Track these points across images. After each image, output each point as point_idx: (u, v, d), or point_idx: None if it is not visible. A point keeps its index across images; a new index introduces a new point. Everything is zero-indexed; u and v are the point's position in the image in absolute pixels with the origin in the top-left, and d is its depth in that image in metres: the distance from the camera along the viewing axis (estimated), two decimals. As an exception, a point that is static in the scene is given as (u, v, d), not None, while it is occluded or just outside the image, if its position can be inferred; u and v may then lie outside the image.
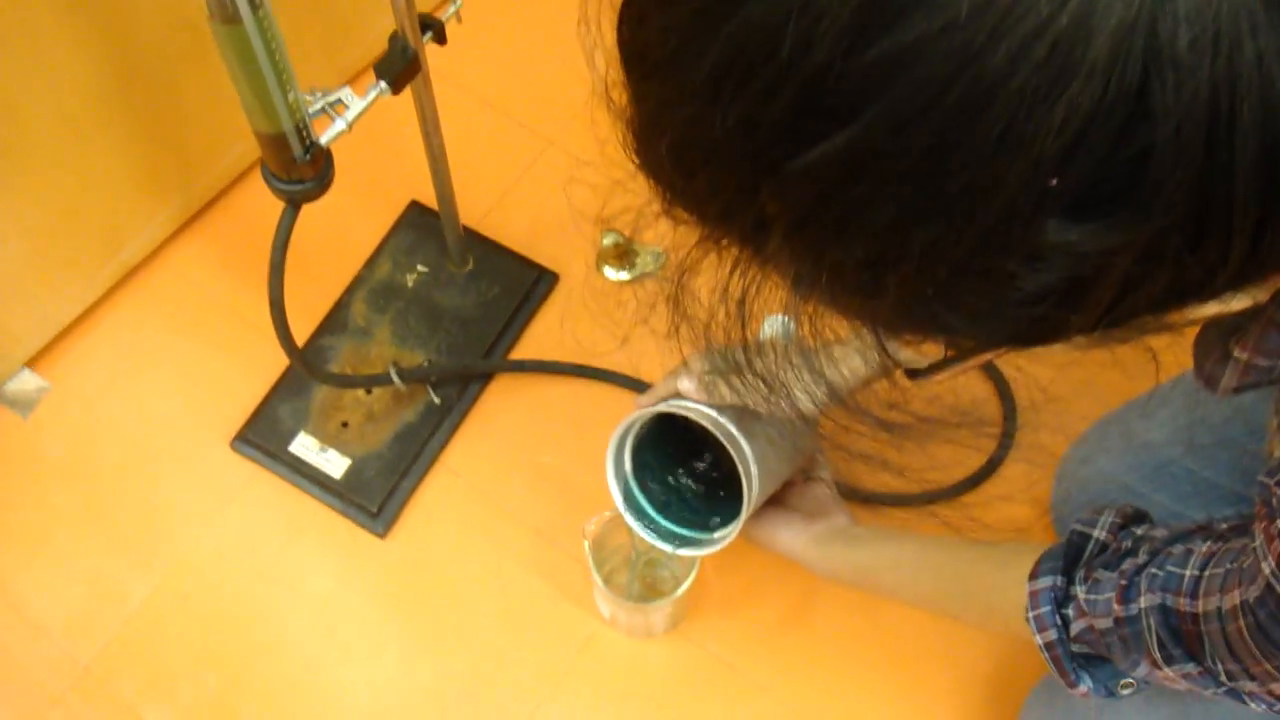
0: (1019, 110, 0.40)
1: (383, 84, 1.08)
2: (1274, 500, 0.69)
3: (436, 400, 1.42)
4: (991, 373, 1.41)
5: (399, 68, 1.09)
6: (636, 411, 1.11)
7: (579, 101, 1.30)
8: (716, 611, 1.35)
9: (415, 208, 1.53)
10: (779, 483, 1.16)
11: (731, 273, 0.53)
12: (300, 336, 1.28)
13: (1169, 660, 0.79)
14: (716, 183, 0.49)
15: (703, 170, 0.49)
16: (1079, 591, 0.86)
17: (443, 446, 1.42)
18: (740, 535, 1.11)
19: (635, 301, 1.47)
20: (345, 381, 1.41)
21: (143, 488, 1.42)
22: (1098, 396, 1.21)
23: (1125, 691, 0.88)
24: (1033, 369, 0.50)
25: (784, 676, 1.32)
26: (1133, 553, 0.85)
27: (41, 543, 1.39)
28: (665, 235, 0.54)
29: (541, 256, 1.51)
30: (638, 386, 1.42)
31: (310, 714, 1.32)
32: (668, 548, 1.14)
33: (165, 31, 1.31)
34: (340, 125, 1.06)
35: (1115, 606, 0.82)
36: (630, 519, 1.14)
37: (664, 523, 1.15)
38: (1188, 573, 0.78)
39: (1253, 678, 0.74)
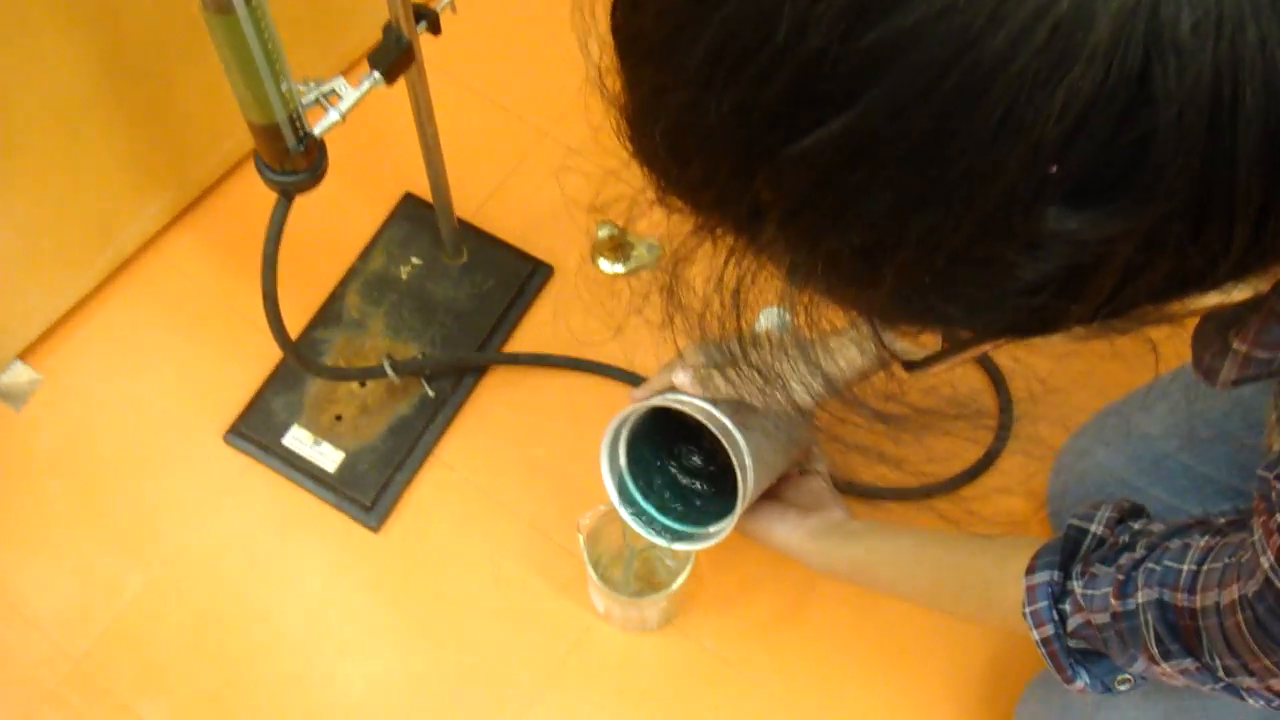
0: (1019, 95, 0.40)
1: (376, 74, 1.08)
2: (1273, 495, 0.69)
3: (431, 393, 1.42)
4: (986, 365, 1.41)
5: (393, 58, 1.09)
6: (631, 405, 1.10)
7: (574, 93, 1.30)
8: (711, 606, 1.34)
9: (409, 200, 1.52)
10: (774, 477, 1.15)
11: (726, 262, 0.52)
12: (294, 329, 1.28)
13: (1166, 656, 0.79)
14: (711, 170, 0.48)
15: (697, 157, 0.48)
16: (1076, 587, 0.86)
17: (437, 440, 1.41)
18: (735, 530, 1.11)
19: (630, 293, 1.46)
20: (339, 374, 1.40)
21: (136, 481, 1.41)
22: (1097, 388, 1.21)
23: (1122, 687, 0.88)
24: (1031, 360, 0.49)
25: (779, 672, 1.32)
26: (1130, 547, 0.84)
27: (34, 536, 1.38)
28: (659, 224, 0.53)
29: (536, 249, 1.50)
30: (633, 380, 1.42)
31: (304, 707, 1.31)
32: (662, 542, 1.13)
33: (158, 21, 1.30)
34: (334, 116, 1.06)
35: (1112, 601, 0.81)
36: (625, 513, 1.14)
37: (659, 517, 1.15)
38: (1185, 567, 0.77)
39: (1251, 673, 0.73)
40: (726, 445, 1.05)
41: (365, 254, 1.49)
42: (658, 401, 1.08)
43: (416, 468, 1.40)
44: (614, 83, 0.51)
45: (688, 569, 1.20)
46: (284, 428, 1.41)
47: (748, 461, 1.04)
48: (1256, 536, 0.69)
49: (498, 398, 1.44)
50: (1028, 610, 0.89)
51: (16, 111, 1.23)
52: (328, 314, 1.46)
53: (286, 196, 1.07)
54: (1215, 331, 0.67)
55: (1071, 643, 0.87)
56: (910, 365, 0.59)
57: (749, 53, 0.43)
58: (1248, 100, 0.39)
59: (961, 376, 1.40)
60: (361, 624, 1.35)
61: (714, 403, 1.06)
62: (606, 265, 1.48)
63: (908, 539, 1.11)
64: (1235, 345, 0.65)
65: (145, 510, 1.40)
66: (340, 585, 1.36)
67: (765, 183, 0.46)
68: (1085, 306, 0.46)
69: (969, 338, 0.54)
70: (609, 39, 0.50)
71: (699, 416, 1.05)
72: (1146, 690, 0.92)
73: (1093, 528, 0.89)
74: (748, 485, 1.05)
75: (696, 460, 1.18)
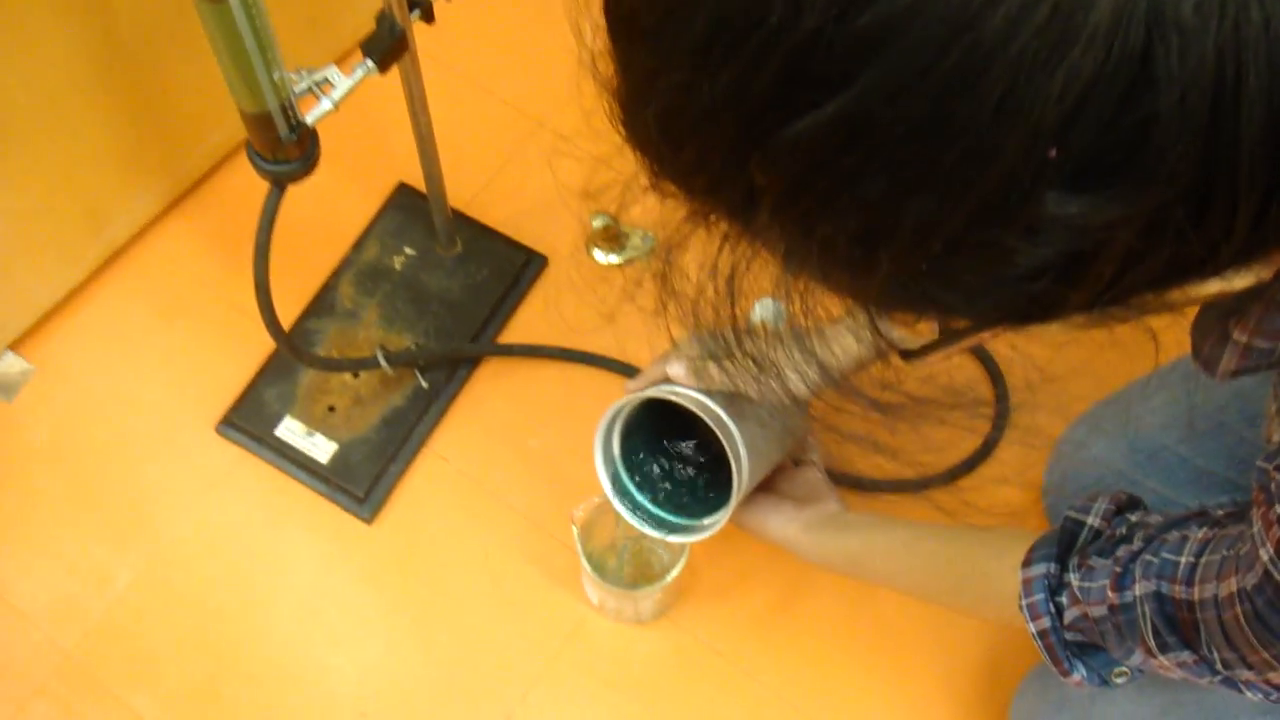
0: (1017, 77, 0.39)
1: (369, 62, 1.07)
2: (1272, 486, 0.68)
3: (424, 384, 1.41)
4: (982, 355, 1.40)
5: (386, 46, 1.08)
6: (626, 396, 1.10)
7: (568, 82, 1.29)
8: (706, 598, 1.34)
9: (403, 190, 1.52)
10: (769, 468, 1.15)
11: (720, 249, 0.52)
12: (286, 319, 1.28)
13: (1164, 648, 0.78)
14: (704, 154, 0.47)
15: (690, 141, 0.47)
16: (1073, 579, 0.86)
17: (430, 431, 1.41)
18: (730, 522, 1.11)
19: (624, 281, 1.46)
20: (332, 365, 1.39)
21: (127, 472, 1.40)
22: (1096, 377, 1.20)
23: (1119, 680, 0.87)
24: (1029, 348, 0.49)
25: (773, 664, 1.31)
26: (1127, 539, 0.84)
27: (24, 527, 1.38)
28: (653, 210, 0.52)
29: (530, 239, 1.49)
30: (627, 371, 1.41)
31: (296, 700, 1.31)
32: (656, 534, 1.13)
33: (150, 8, 1.29)
34: (326, 105, 1.05)
35: (1109, 594, 0.81)
36: (618, 505, 1.14)
37: (653, 509, 1.15)
38: (1183, 559, 0.77)
39: (1249, 666, 0.73)
40: (721, 437, 1.04)
41: (358, 244, 1.49)
42: (652, 393, 1.08)
43: (410, 459, 1.39)
44: (606, 66, 0.50)
45: (682, 561, 1.20)
46: (276, 419, 1.40)
47: (742, 453, 1.04)
48: (1255, 528, 0.69)
49: (491, 389, 1.43)
50: (1024, 603, 0.88)
51: (6, 100, 1.22)
52: (321, 304, 1.45)
53: (279, 186, 1.07)
54: (1215, 321, 0.67)
55: (1068, 635, 0.87)
56: (907, 354, 0.59)
57: (742, 34, 0.43)
58: (1251, 82, 0.39)
59: (958, 366, 1.41)
60: (354, 616, 1.34)
61: (708, 394, 1.05)
62: (601, 256, 1.48)
63: (903, 531, 1.11)
64: (1235, 335, 0.65)
65: (137, 501, 1.39)
66: (333, 577, 1.36)
67: (759, 167, 0.45)
68: (1085, 293, 0.45)
69: (966, 326, 0.54)
70: (602, 22, 0.50)
71: (693, 408, 1.05)
72: (1143, 683, 0.91)
73: (1089, 520, 0.88)
74: (742, 477, 1.05)
75: (691, 452, 1.17)
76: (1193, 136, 0.40)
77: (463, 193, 1.51)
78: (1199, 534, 0.78)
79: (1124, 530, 0.86)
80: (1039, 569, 0.88)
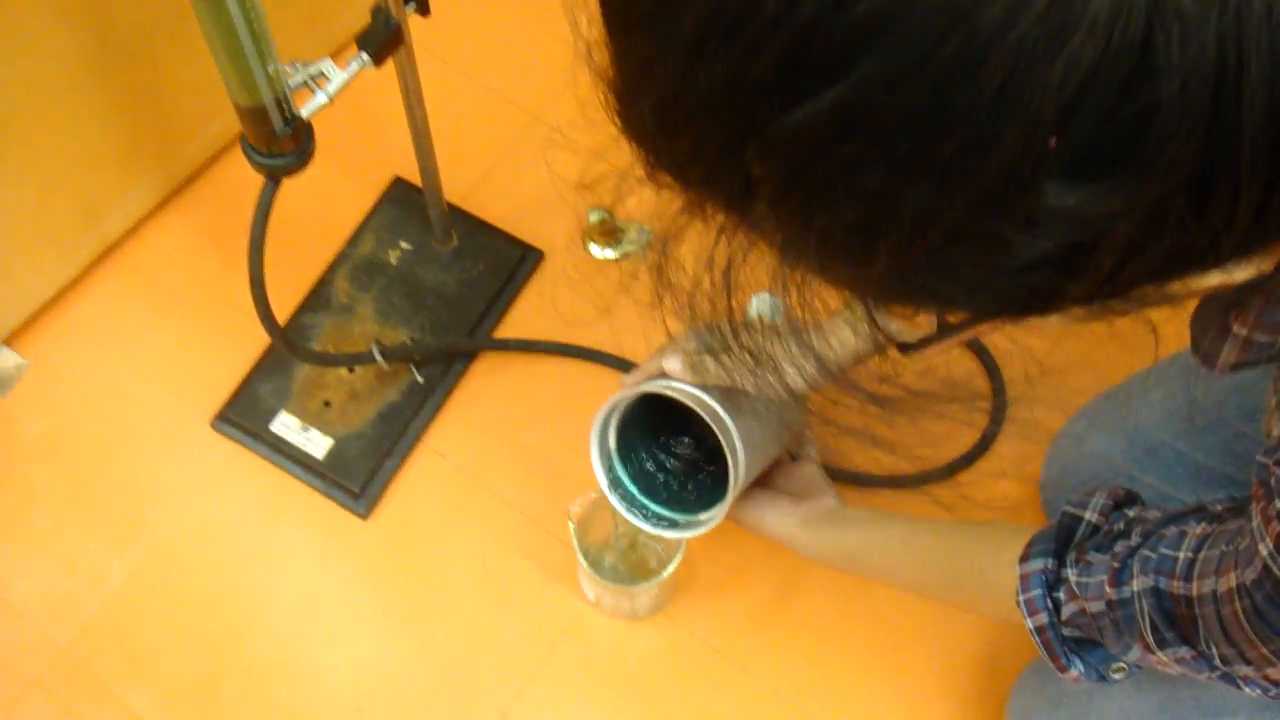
0: (1017, 66, 0.39)
1: (365, 55, 1.07)
2: (1272, 481, 0.68)
3: (420, 379, 1.41)
4: (977, 349, 1.40)
5: (381, 39, 1.08)
6: (622, 391, 1.09)
7: (564, 75, 1.28)
8: (702, 594, 1.34)
9: (399, 184, 1.51)
10: (766, 463, 1.15)
11: (716, 241, 0.51)
12: (282, 314, 1.27)
13: (1162, 644, 0.78)
14: (700, 144, 0.47)
15: (686, 131, 0.47)
16: (1070, 574, 0.85)
17: (426, 426, 1.40)
18: (727, 517, 1.10)
19: (620, 273, 1.46)
20: (327, 360, 1.39)
21: (122, 467, 1.40)
22: (1095, 370, 1.20)
23: (1117, 675, 0.87)
24: (1028, 341, 0.48)
25: (770, 660, 1.31)
26: (1125, 535, 0.84)
27: (19, 523, 1.37)
28: (649, 202, 0.52)
29: (526, 233, 1.49)
30: (623, 366, 1.41)
31: (292, 695, 1.30)
32: (652, 529, 1.13)
33: (146, 2, 1.29)
34: (321, 98, 1.05)
35: (1107, 589, 0.81)
36: (614, 500, 1.13)
37: (649, 504, 1.14)
38: (1181, 555, 0.76)
39: (1248, 662, 0.73)
40: (717, 431, 1.04)
41: (354, 239, 1.48)
42: (648, 388, 1.07)
43: (405, 454, 1.39)
44: (602, 57, 0.50)
45: (678, 556, 1.20)
46: (272, 414, 1.40)
47: (739, 448, 1.04)
48: (1255, 523, 0.69)
49: (487, 384, 1.43)
50: (1021, 598, 0.88)
51: (2, 95, 1.21)
52: (316, 299, 1.45)
53: (273, 180, 1.06)
54: (1215, 314, 0.66)
55: (1066, 631, 0.87)
56: (904, 347, 0.58)
57: (739, 23, 0.42)
58: (1253, 70, 0.38)
59: (955, 359, 1.40)
60: (350, 611, 1.34)
61: (705, 389, 1.05)
62: (597, 250, 1.47)
63: (900, 526, 1.11)
64: (1235, 328, 0.64)
65: (132, 497, 1.39)
66: (328, 573, 1.35)
67: (756, 157, 0.45)
68: (1084, 286, 0.45)
69: (965, 319, 0.53)
70: (598, 12, 0.49)
71: (690, 403, 1.05)
72: (1140, 679, 0.91)
73: (1087, 515, 0.88)
74: (739, 472, 1.05)
75: (687, 447, 1.17)
76: (1194, 126, 0.39)
77: (458, 187, 1.50)
78: (1197, 529, 0.77)
79: (1122, 525, 0.85)
80: (1036, 564, 0.88)
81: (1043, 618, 0.87)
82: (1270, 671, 0.73)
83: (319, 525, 1.37)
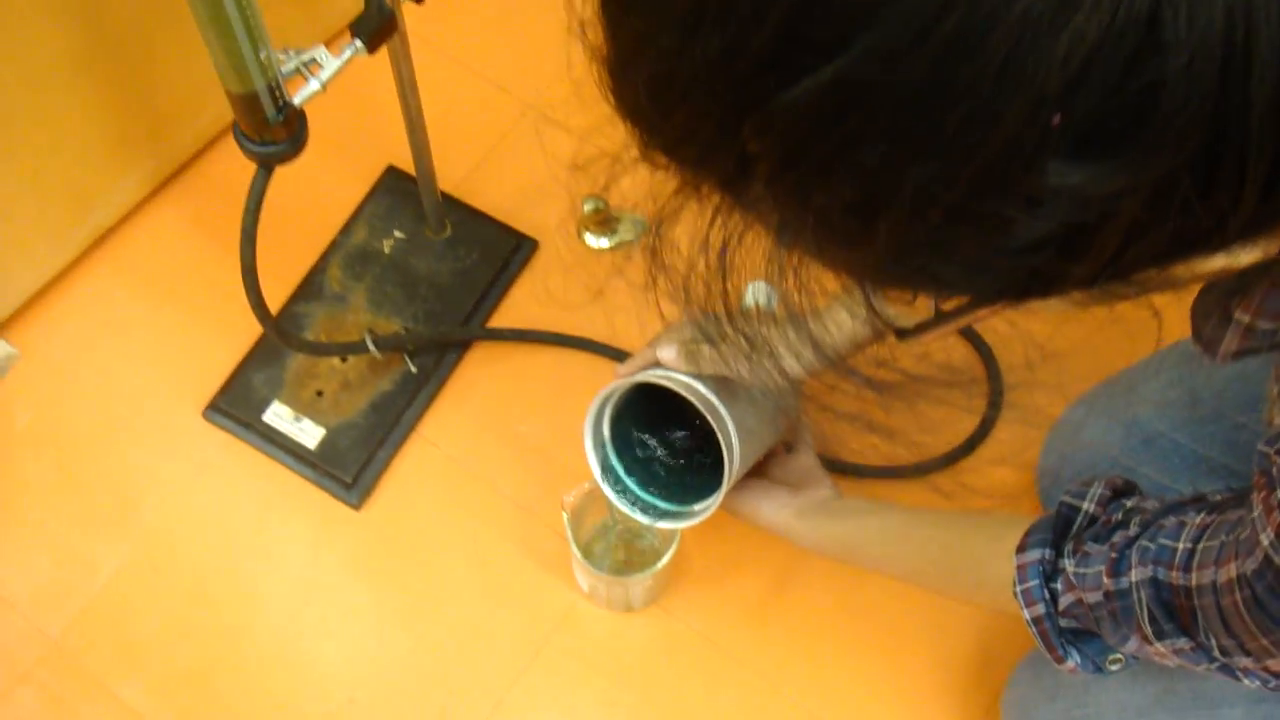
0: (1020, 40, 0.38)
1: (358, 43, 1.06)
2: (1274, 470, 0.67)
3: (413, 369, 1.40)
4: (971, 337, 1.39)
5: (375, 26, 1.07)
6: (616, 381, 1.09)
7: (559, 64, 1.28)
8: (697, 585, 1.33)
9: (392, 172, 1.50)
10: (761, 453, 1.14)
11: (711, 222, 0.50)
12: (274, 303, 1.27)
13: (1160, 635, 0.78)
14: (695, 122, 0.46)
15: (681, 108, 0.46)
16: (1068, 565, 0.85)
17: (419, 416, 1.40)
18: (721, 507, 1.10)
19: (615, 262, 1.45)
20: (320, 349, 1.38)
21: (113, 457, 1.39)
22: (1097, 355, 1.19)
23: (1114, 667, 0.87)
24: (1028, 325, 0.48)
25: (765, 651, 1.31)
26: (1123, 525, 0.83)
27: (9, 513, 1.37)
28: (643, 182, 0.51)
29: (520, 223, 1.48)
30: (618, 355, 1.40)
31: (284, 686, 1.30)
32: (647, 520, 1.12)
33: (137, -11, 1.28)
34: (314, 85, 1.04)
35: (1105, 580, 0.80)
36: (608, 491, 1.13)
37: (643, 494, 1.14)
38: (1180, 545, 0.76)
39: (1248, 653, 0.72)
40: (712, 421, 1.03)
41: (347, 228, 1.47)
42: (642, 378, 1.07)
43: (399, 444, 1.38)
44: (596, 34, 0.49)
45: (673, 547, 1.19)
46: (264, 404, 1.39)
47: (734, 439, 1.03)
48: (1256, 513, 0.68)
49: (481, 373, 1.42)
50: (1018, 589, 0.88)
51: (-9, 80, 1.21)
52: (309, 288, 1.44)
53: (266, 168, 1.06)
54: (1216, 301, 0.66)
55: (1063, 622, 0.86)
56: (902, 333, 0.58)
57: None
58: (1262, 46, 0.37)
59: (954, 344, 1.40)
60: (342, 602, 1.33)
61: (700, 378, 1.05)
62: (592, 240, 1.47)
63: (896, 517, 1.10)
64: (1237, 315, 0.64)
65: (123, 487, 1.38)
66: (321, 563, 1.35)
67: (752, 134, 0.44)
68: (1087, 267, 0.44)
69: (964, 303, 0.53)
70: None
71: (684, 393, 1.04)
72: (1136, 671, 0.91)
73: (1085, 505, 0.88)
74: (733, 462, 1.04)
75: (682, 437, 1.17)
76: (1200, 102, 0.38)
77: (452, 176, 1.50)
78: (1197, 519, 0.77)
79: (1120, 516, 0.85)
80: (1034, 554, 0.87)
81: (1040, 608, 0.86)
82: (1270, 663, 0.72)
83: (311, 516, 1.37)
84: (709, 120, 0.45)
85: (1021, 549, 0.88)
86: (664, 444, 1.16)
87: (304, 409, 1.38)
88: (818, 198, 0.45)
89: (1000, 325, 0.53)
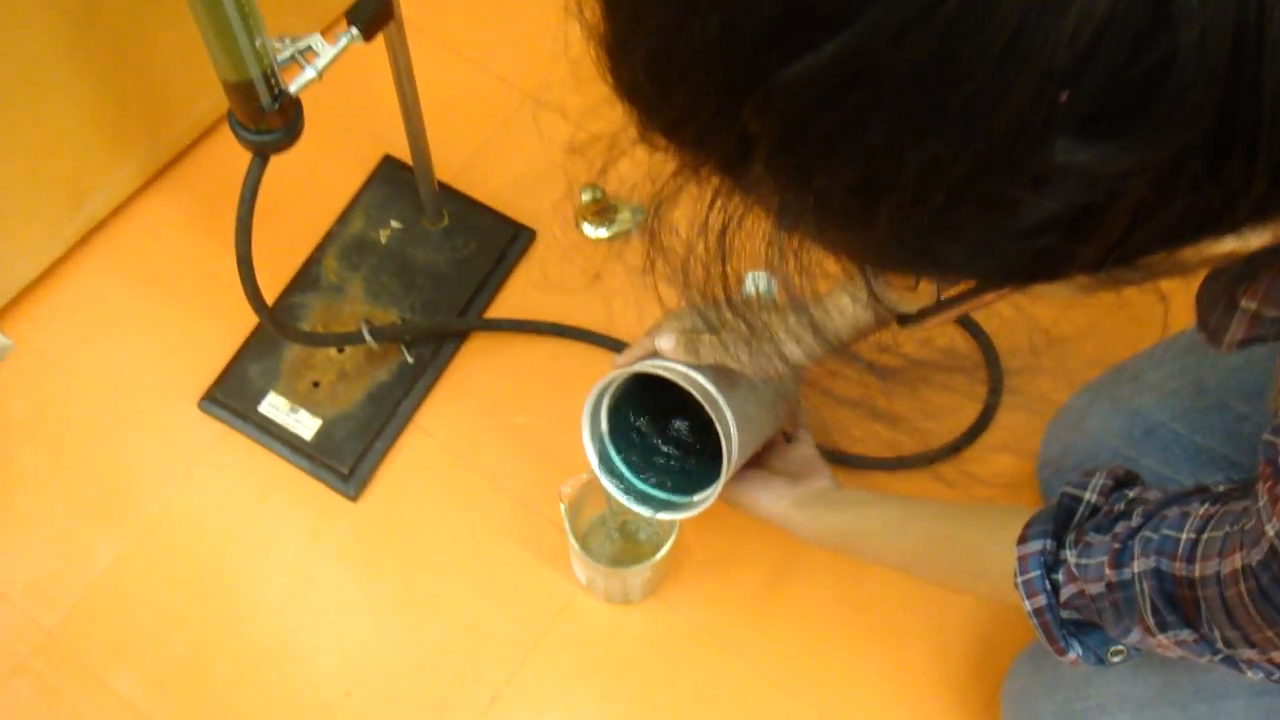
0: (1027, 15, 0.37)
1: (354, 30, 1.06)
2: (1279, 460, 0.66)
3: (410, 359, 1.39)
4: (968, 326, 1.38)
5: (371, 13, 1.06)
6: (614, 371, 1.08)
7: (557, 53, 1.27)
8: (695, 577, 1.33)
9: (389, 162, 1.50)
10: (760, 444, 1.14)
11: (711, 204, 0.50)
12: (270, 294, 1.26)
13: (1163, 627, 0.77)
14: (694, 101, 0.45)
15: (680, 86, 0.45)
16: (1069, 556, 0.84)
17: (416, 407, 1.39)
18: (720, 498, 1.09)
19: (612, 252, 1.44)
20: (316, 340, 1.38)
21: (108, 448, 1.39)
22: (1103, 340, 1.18)
23: (1115, 659, 0.86)
24: (1033, 309, 0.47)
25: (764, 643, 1.30)
26: (1126, 515, 0.83)
27: (3, 505, 1.36)
28: (641, 164, 0.50)
29: (518, 213, 1.48)
30: (616, 346, 1.40)
31: (281, 679, 1.29)
32: (645, 511, 1.12)
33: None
34: (310, 73, 1.04)
35: (1107, 571, 0.80)
36: (606, 482, 1.12)
37: (641, 485, 1.13)
38: (1184, 535, 0.75)
39: (1252, 645, 0.71)
40: (710, 412, 1.03)
41: (344, 217, 1.47)
42: (640, 368, 1.06)
43: (395, 435, 1.38)
44: (593, 11, 0.48)
45: (671, 539, 1.19)
46: (260, 395, 1.38)
47: (732, 429, 1.03)
48: (1261, 503, 0.67)
49: (478, 364, 1.42)
50: (1019, 580, 0.87)
51: (-16, 70, 1.20)
52: (305, 278, 1.43)
53: (261, 156, 1.05)
54: (1222, 288, 0.65)
55: (1064, 613, 0.86)
56: (905, 319, 0.57)
57: None
58: (1275, 21, 0.37)
59: (955, 330, 1.39)
60: (339, 594, 1.33)
61: (698, 369, 1.04)
62: (590, 230, 1.46)
63: (896, 507, 1.10)
64: (1244, 303, 0.63)
65: (118, 479, 1.37)
66: (317, 555, 1.34)
67: (752, 113, 0.43)
68: (1094, 249, 0.43)
69: (968, 289, 0.52)
70: None
71: (682, 383, 1.03)
72: (1138, 663, 0.90)
73: (1087, 495, 0.87)
74: (732, 452, 1.04)
75: (680, 427, 1.16)
76: (1212, 79, 0.37)
77: (449, 165, 1.49)
78: (1200, 510, 0.76)
79: (1122, 506, 0.84)
80: (1035, 545, 0.87)
81: (1041, 600, 0.86)
82: (1275, 655, 0.72)
83: (307, 507, 1.36)
84: (708, 99, 0.44)
85: (1023, 540, 0.88)
86: (662, 435, 1.16)
87: (300, 400, 1.38)
88: (819, 178, 0.44)
89: (1004, 309, 0.52)
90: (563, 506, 1.19)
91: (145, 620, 1.32)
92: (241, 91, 0.99)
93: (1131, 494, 0.85)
